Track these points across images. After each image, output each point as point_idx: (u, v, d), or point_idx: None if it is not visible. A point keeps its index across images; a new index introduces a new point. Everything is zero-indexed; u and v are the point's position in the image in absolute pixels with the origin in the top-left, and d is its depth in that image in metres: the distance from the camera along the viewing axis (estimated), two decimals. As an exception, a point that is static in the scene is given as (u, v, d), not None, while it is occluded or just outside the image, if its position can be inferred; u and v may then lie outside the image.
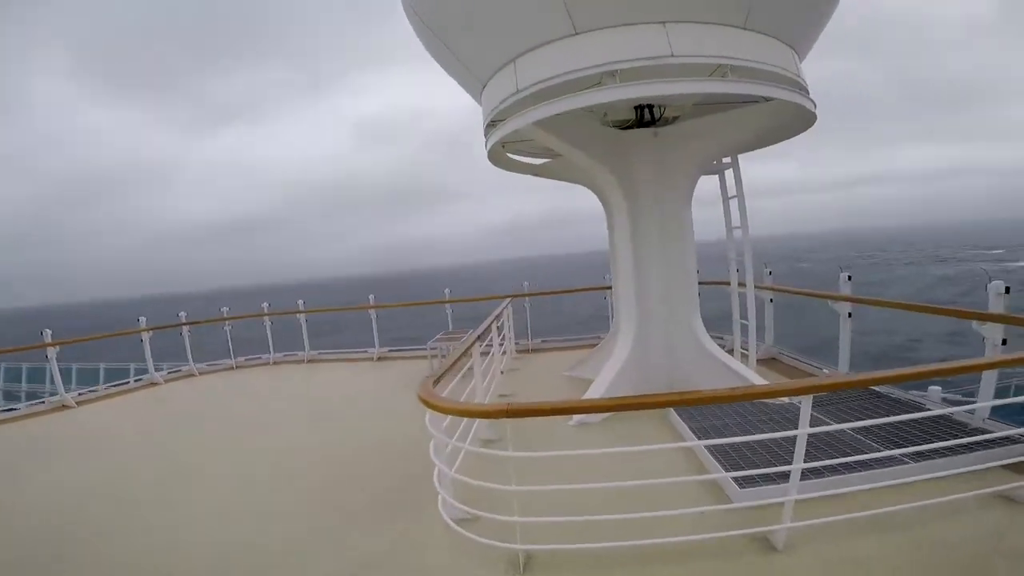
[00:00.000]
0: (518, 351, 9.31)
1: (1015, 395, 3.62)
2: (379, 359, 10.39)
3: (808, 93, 5.29)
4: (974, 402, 4.65)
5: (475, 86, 5.91)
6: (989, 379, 4.31)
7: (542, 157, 7.58)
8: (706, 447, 4.20)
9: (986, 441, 3.67)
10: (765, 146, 6.66)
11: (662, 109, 6.07)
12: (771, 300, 7.52)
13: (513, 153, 7.45)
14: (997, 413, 4.30)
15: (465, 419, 4.25)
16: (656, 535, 2.94)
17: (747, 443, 4.16)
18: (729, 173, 6.09)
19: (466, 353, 4.78)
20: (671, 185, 6.09)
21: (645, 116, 6.09)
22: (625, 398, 2.85)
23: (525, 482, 2.98)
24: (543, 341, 9.91)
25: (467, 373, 5.14)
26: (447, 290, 10.10)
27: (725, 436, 4.46)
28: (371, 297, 10.58)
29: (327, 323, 14.69)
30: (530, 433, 4.67)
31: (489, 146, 5.93)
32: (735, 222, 6.06)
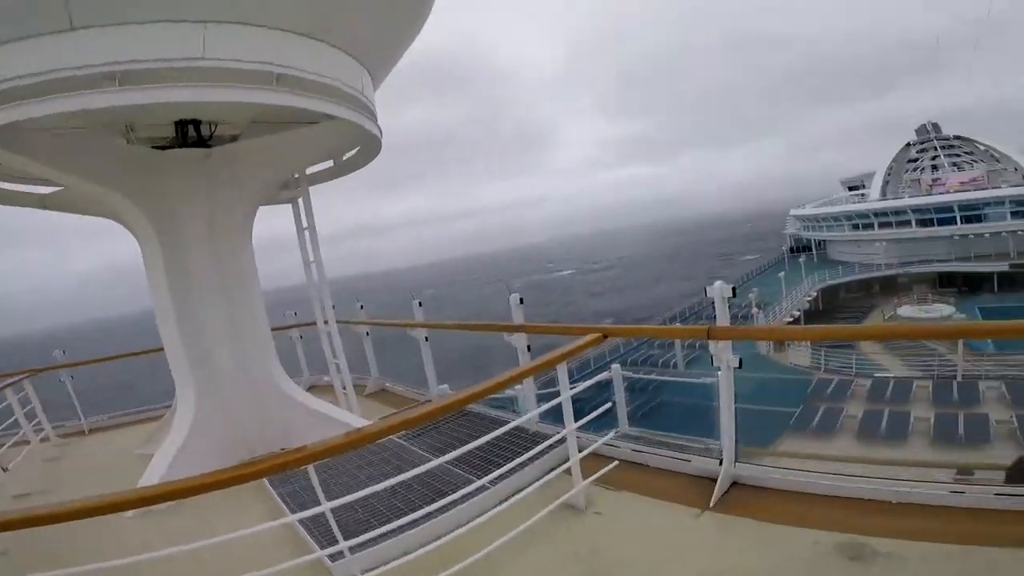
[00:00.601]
0: (61, 435, 7.42)
1: (550, 395, 3.95)
2: None
3: (376, 119, 5.17)
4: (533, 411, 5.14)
5: None
6: (529, 386, 4.81)
7: (53, 184, 5.56)
8: (298, 521, 3.42)
9: (548, 447, 3.85)
10: (339, 176, 6.41)
11: (213, 126, 5.07)
12: (367, 333, 7.40)
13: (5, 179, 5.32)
14: (547, 418, 4.56)
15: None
16: None
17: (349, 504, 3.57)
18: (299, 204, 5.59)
19: None
20: (228, 217, 5.21)
21: (190, 134, 4.98)
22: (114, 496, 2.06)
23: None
24: (110, 416, 8.04)
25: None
26: None
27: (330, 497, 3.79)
28: None
29: None
30: (68, 537, 3.07)
31: None
32: (311, 256, 5.60)
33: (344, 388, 5.99)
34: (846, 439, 15.55)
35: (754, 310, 29.34)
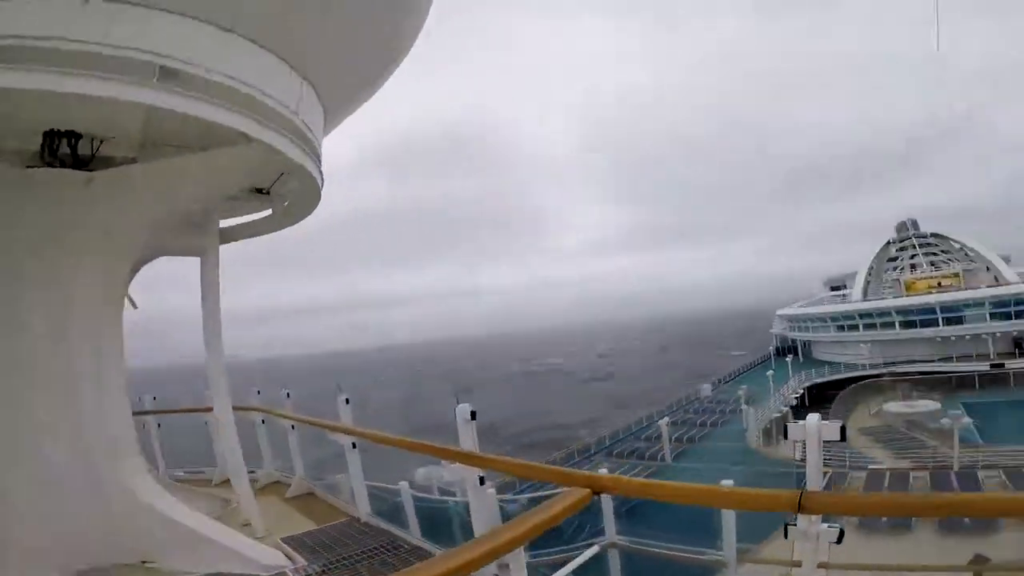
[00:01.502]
0: None
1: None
2: None
3: (317, 155, 4.19)
4: None
5: None
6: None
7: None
8: None
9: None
10: (268, 231, 5.36)
11: (96, 143, 3.94)
12: (292, 427, 5.94)
13: None
14: None
15: None
16: None
17: None
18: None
19: None
20: (102, 263, 4.00)
21: (60, 147, 3.80)
22: None
23: None
24: None
25: None
26: None
27: None
28: None
29: None
30: None
31: None
32: (212, 326, 4.46)
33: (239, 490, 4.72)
34: (847, 531, 14.36)
35: (743, 406, 28.67)
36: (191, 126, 3.67)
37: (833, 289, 50.41)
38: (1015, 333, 34.80)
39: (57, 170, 3.84)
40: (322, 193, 4.63)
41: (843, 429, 2.27)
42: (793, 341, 48.53)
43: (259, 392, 6.31)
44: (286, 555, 4.02)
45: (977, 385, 33.60)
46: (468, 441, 3.11)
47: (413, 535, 4.36)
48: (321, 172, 4.34)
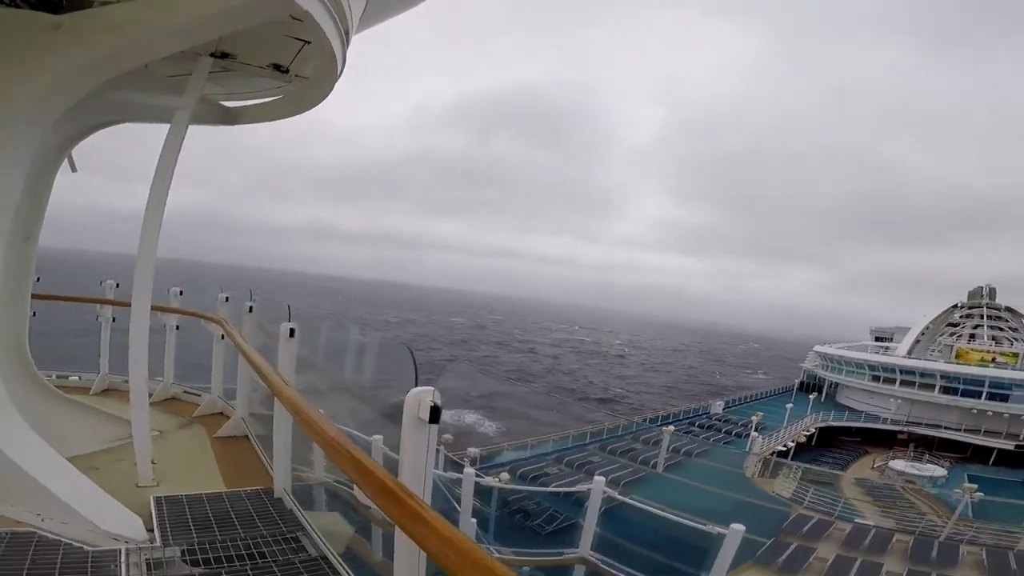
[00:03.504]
0: None
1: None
2: None
3: (345, 31, 3.38)
4: None
5: None
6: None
7: None
8: None
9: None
10: (279, 116, 4.61)
11: None
12: (176, 327, 5.77)
13: None
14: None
15: None
16: None
17: None
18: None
19: None
20: (45, 120, 3.29)
21: None
22: None
23: None
24: None
25: None
26: None
27: None
28: None
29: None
30: None
31: None
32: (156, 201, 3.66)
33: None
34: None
35: (753, 432, 27.70)
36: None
37: (878, 339, 48.41)
38: (1059, 421, 32.78)
39: (21, 11, 3.22)
40: (340, 74, 3.86)
41: None
42: (820, 379, 46.92)
43: (228, 299, 5.40)
44: (147, 526, 3.01)
45: (992, 461, 32.40)
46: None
47: (315, 535, 3.13)
48: (344, 44, 3.57)
